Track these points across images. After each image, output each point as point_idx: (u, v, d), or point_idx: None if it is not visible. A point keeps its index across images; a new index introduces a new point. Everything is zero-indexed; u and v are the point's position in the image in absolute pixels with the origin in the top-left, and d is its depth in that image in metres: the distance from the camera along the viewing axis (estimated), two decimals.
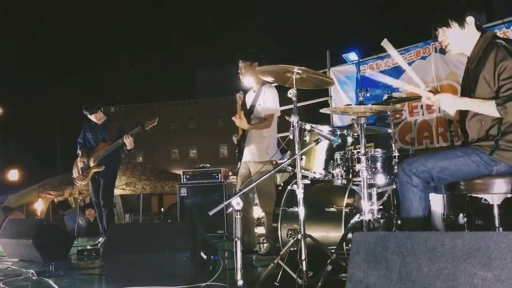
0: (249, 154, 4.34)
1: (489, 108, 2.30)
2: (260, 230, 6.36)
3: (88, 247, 5.11)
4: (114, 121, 5.72)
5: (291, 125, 2.85)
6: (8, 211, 10.43)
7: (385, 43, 2.64)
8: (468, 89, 2.51)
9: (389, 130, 3.78)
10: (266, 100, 4.27)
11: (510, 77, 2.25)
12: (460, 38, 2.51)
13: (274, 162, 4.33)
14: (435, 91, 2.55)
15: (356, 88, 7.04)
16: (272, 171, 3.16)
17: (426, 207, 2.47)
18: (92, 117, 5.54)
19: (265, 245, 4.42)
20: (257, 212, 7.13)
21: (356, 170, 2.89)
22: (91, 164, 5.41)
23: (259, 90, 4.36)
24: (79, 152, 5.56)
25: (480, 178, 2.41)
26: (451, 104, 2.45)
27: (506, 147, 2.32)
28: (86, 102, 5.55)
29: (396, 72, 6.65)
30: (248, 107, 4.41)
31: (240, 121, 4.30)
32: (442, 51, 2.72)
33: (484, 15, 2.51)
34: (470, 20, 2.46)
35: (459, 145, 2.64)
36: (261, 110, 4.31)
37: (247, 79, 4.40)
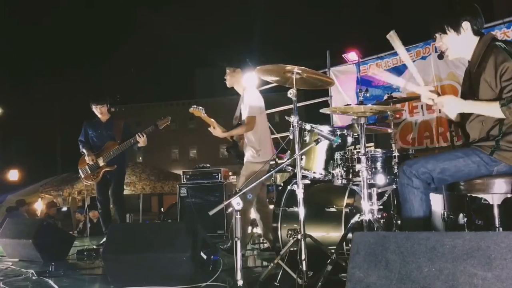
0: (246, 155, 4.37)
1: (493, 109, 2.29)
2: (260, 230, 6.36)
3: (94, 247, 5.11)
4: (119, 120, 5.64)
5: (291, 125, 2.85)
6: (13, 210, 10.43)
7: (390, 36, 2.59)
8: (470, 92, 2.51)
9: (389, 130, 3.79)
10: (245, 104, 4.28)
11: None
12: (458, 44, 2.52)
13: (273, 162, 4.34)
14: (436, 93, 2.55)
15: (356, 88, 7.04)
16: (272, 171, 3.16)
17: (427, 208, 2.48)
18: (97, 110, 5.46)
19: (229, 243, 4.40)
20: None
21: (356, 170, 2.89)
22: (101, 163, 5.33)
23: (242, 95, 4.40)
24: (83, 150, 5.44)
25: (480, 178, 2.41)
26: (454, 106, 2.43)
27: (507, 147, 2.33)
28: (94, 93, 5.54)
29: (397, 72, 6.66)
30: (238, 114, 4.47)
31: (215, 131, 4.34)
32: (441, 56, 2.70)
33: (481, 18, 2.50)
34: (466, 25, 2.46)
35: (459, 146, 2.64)
36: (243, 114, 4.32)
37: (232, 84, 4.47)
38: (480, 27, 2.50)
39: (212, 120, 4.34)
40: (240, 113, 4.39)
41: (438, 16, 2.57)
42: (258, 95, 4.32)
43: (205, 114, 4.31)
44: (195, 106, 4.36)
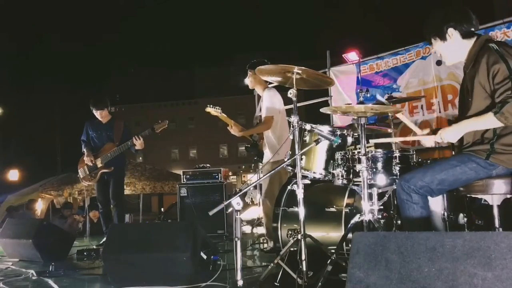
0: (266, 155, 4.48)
1: (489, 121, 2.28)
2: (261, 230, 6.37)
3: (94, 247, 5.10)
4: (119, 120, 5.63)
5: (291, 125, 2.85)
6: (13, 211, 10.42)
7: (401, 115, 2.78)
8: (466, 93, 2.51)
9: (389, 130, 3.79)
10: (264, 104, 4.38)
11: (503, 80, 2.23)
12: (447, 50, 2.51)
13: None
14: (432, 132, 2.57)
15: (356, 88, 7.04)
16: (271, 171, 3.14)
17: (427, 221, 2.48)
18: (98, 114, 5.46)
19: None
20: (257, 211, 7.14)
21: (357, 170, 2.89)
22: (99, 164, 5.33)
23: (262, 96, 4.50)
24: (84, 150, 5.45)
25: (479, 179, 2.41)
26: (453, 134, 2.44)
27: (502, 150, 2.32)
28: (94, 98, 5.49)
29: (396, 71, 6.68)
30: (258, 113, 4.60)
31: (232, 130, 4.40)
32: (439, 62, 2.73)
33: (469, 21, 2.45)
34: (451, 31, 2.45)
35: (458, 147, 2.63)
36: (262, 114, 4.42)
37: (254, 86, 4.57)
38: (472, 29, 2.46)
39: (229, 118, 4.40)
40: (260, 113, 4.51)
41: (423, 26, 2.57)
42: (275, 96, 4.38)
43: (222, 113, 4.40)
44: (211, 105, 4.42)
